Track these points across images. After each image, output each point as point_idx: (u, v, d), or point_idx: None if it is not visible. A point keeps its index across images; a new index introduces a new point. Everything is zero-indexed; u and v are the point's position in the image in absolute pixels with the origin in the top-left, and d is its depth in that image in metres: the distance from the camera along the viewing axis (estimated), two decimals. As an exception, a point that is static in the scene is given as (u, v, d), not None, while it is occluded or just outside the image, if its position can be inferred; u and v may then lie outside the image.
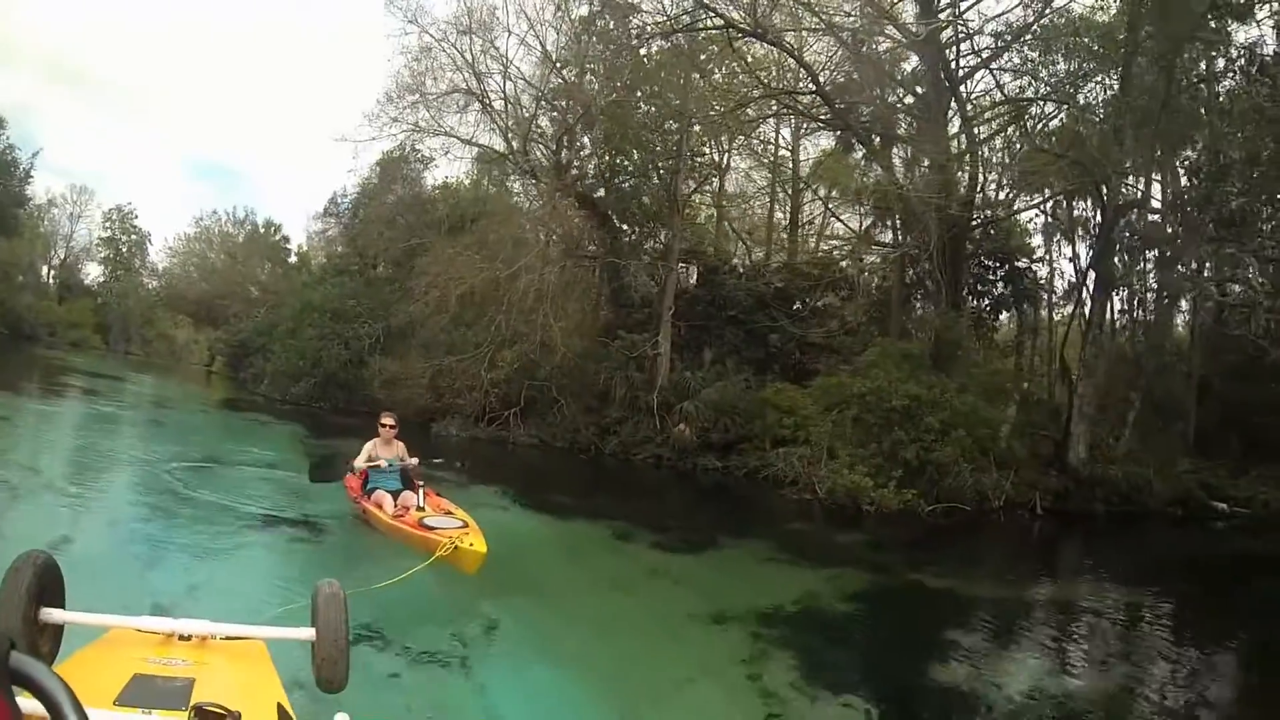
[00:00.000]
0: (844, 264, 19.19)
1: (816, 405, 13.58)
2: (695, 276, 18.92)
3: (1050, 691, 5.25)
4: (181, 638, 2.22)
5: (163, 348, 42.64)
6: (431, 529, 6.00)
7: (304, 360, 21.27)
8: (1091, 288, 13.73)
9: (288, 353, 22.22)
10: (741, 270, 18.85)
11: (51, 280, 47.36)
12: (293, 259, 32.69)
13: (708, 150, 20.10)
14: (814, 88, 15.06)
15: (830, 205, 21.15)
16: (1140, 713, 5.20)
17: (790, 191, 22.06)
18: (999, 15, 13.67)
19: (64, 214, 47.53)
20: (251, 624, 2.51)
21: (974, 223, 14.73)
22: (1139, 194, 12.64)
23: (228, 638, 2.28)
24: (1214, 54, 12.51)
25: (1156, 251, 13.96)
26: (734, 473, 14.13)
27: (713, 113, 16.43)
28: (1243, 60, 11.94)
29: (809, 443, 12.91)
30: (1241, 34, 12.18)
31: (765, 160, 21.80)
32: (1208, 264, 12.92)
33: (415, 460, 7.38)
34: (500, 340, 16.51)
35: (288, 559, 6.77)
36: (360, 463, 7.22)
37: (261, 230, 34.59)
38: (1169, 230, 13.45)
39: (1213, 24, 11.71)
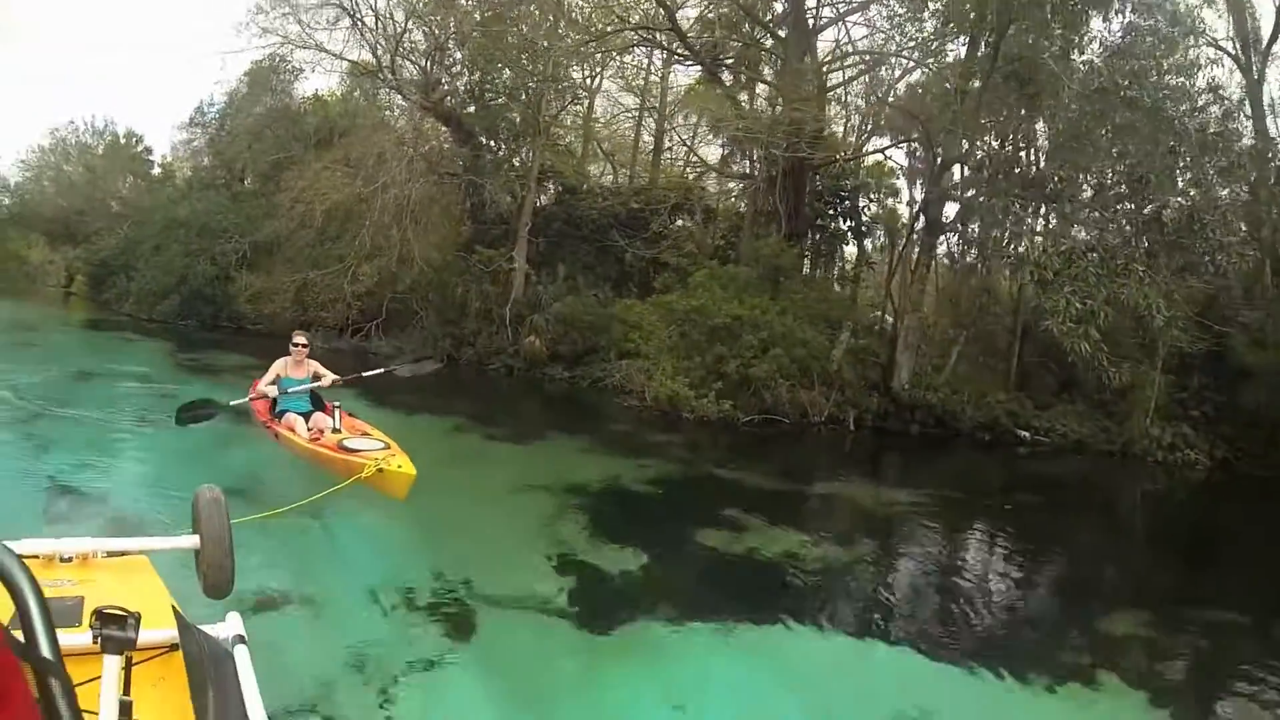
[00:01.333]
0: (700, 189, 20.73)
1: (659, 321, 15.23)
2: (554, 195, 20.15)
3: (802, 558, 6.35)
4: (63, 559, 2.24)
5: (16, 269, 40.55)
6: (353, 451, 5.86)
7: (170, 277, 21.46)
8: (920, 230, 15.69)
9: (153, 270, 22.27)
10: (599, 190, 20.17)
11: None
12: (156, 171, 31.66)
13: (577, 73, 21.10)
14: (670, 25, 16.33)
15: (694, 133, 22.62)
16: (863, 577, 6.29)
17: (656, 117, 23.37)
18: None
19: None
20: (133, 537, 2.56)
21: (816, 161, 16.43)
22: (964, 150, 14.47)
23: (110, 553, 2.29)
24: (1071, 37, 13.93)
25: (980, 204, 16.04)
26: (579, 382, 15.75)
27: (571, 42, 17.35)
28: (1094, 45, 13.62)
29: (646, 355, 14.55)
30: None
31: (634, 85, 22.98)
32: (1013, 220, 15.01)
33: (333, 377, 7.10)
34: (363, 254, 17.46)
35: (182, 476, 6.38)
36: (264, 386, 7.04)
37: (123, 141, 33.07)
38: (976, 189, 15.48)
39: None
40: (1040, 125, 15.13)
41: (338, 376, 7.08)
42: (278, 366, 7.09)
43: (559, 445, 10.86)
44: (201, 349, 16.74)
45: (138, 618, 1.52)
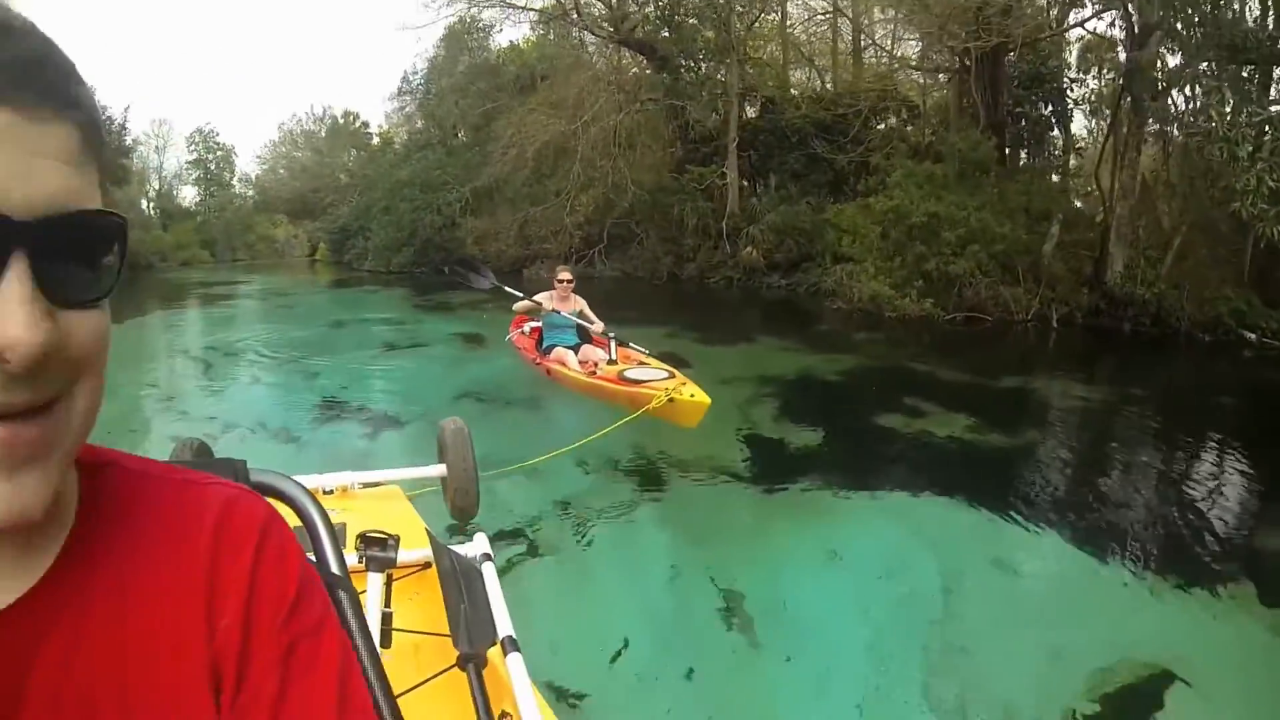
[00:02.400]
0: (899, 88, 19.91)
1: (865, 224, 15.13)
2: (758, 107, 20.19)
3: (968, 442, 6.29)
4: (326, 491, 2.48)
5: (266, 248, 46.98)
6: (637, 382, 5.63)
7: (401, 232, 24.04)
8: (1126, 109, 14.23)
9: (385, 228, 25.04)
10: (802, 99, 19.94)
11: (152, 211, 51.94)
12: (375, 141, 35.26)
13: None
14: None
15: (894, 27, 21.60)
16: (1020, 462, 6.10)
17: (852, 14, 22.54)
18: None
19: (149, 148, 51.44)
20: (385, 469, 2.74)
21: (1010, 44, 15.31)
22: (1162, 14, 12.85)
23: (365, 485, 2.50)
24: None
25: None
26: (796, 289, 15.94)
27: None
28: None
29: (854, 258, 14.55)
30: None
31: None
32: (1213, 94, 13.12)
33: (601, 325, 6.80)
34: (579, 186, 18.59)
35: (446, 412, 6.39)
36: (523, 305, 6.93)
37: (341, 121, 37.25)
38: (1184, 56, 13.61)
39: None
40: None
41: (605, 330, 6.76)
42: (542, 297, 6.88)
43: (764, 346, 11.19)
44: (436, 290, 18.60)
45: (396, 539, 1.71)
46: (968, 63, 15.71)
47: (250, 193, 50.53)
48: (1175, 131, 14.96)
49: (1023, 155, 19.10)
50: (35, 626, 0.42)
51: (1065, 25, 16.85)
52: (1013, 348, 12.52)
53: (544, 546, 3.92)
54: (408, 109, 29.61)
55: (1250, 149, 10.83)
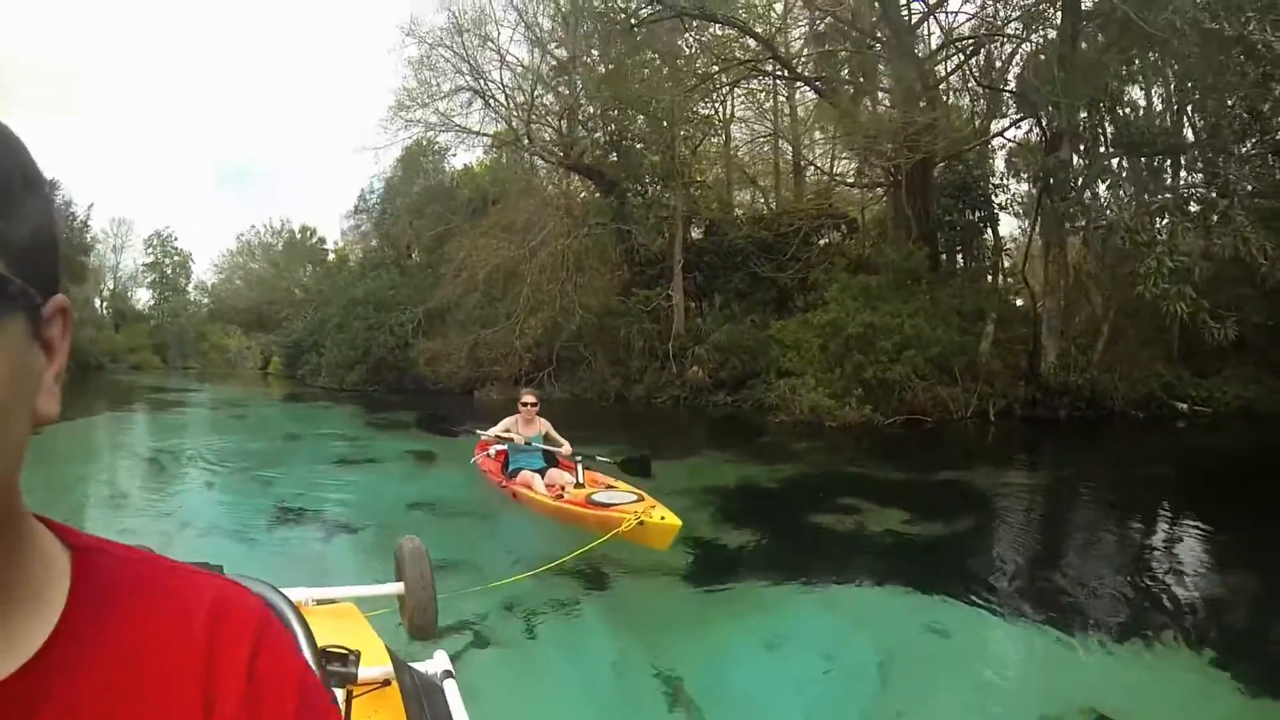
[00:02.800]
0: (836, 204, 21.02)
1: (806, 338, 15.68)
2: (703, 229, 21.05)
3: (900, 533, 6.68)
4: None
5: (218, 358, 46.66)
6: (605, 505, 5.68)
7: (355, 350, 24.17)
8: (1045, 208, 15.22)
9: (339, 346, 25.16)
10: (745, 219, 20.88)
11: (105, 311, 51.73)
12: (331, 257, 35.83)
13: (705, 108, 22.06)
14: (770, 54, 17.05)
15: (832, 147, 22.91)
16: (951, 548, 6.46)
17: (791, 137, 23.90)
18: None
19: (107, 247, 51.66)
20: (340, 586, 2.76)
21: (936, 158, 16.46)
22: (1078, 125, 14.05)
23: (320, 601, 2.51)
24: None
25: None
26: (741, 405, 16.30)
27: (687, 86, 18.32)
28: None
29: (795, 372, 15.02)
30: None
31: (765, 110, 23.68)
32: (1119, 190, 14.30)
33: (566, 446, 6.87)
34: (528, 309, 19.02)
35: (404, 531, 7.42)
36: (493, 432, 7.02)
37: (298, 236, 37.93)
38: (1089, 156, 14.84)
39: None
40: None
41: (571, 453, 6.78)
42: (507, 422, 6.97)
43: (708, 459, 11.41)
44: (389, 409, 18.67)
45: (357, 655, 1.69)
46: (898, 177, 16.72)
47: (205, 300, 50.60)
48: (1089, 225, 16.00)
49: (959, 259, 20.13)
50: (30, 698, 0.43)
51: (986, 136, 18.17)
52: (951, 445, 12.96)
53: (504, 661, 4.04)
54: (363, 227, 30.33)
55: (1148, 236, 11.79)
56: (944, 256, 18.21)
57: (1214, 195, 11.84)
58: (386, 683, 1.99)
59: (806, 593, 5.22)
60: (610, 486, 6.35)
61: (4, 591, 0.43)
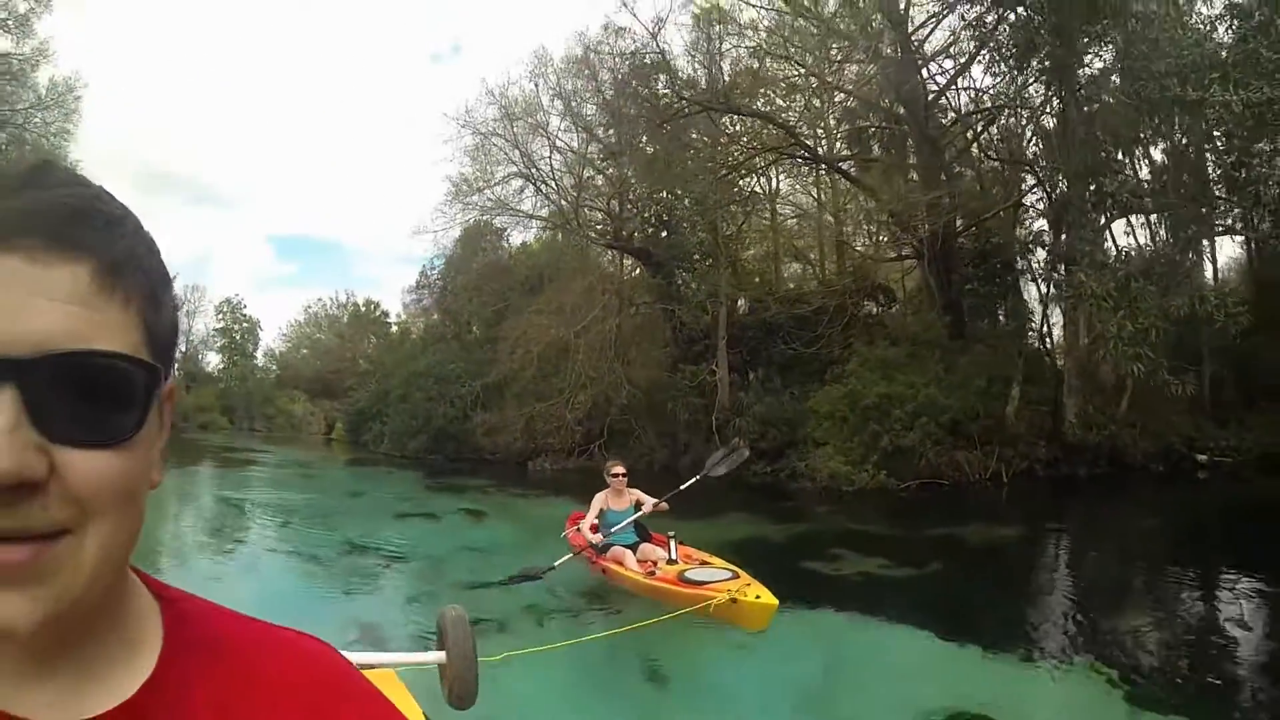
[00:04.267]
0: (880, 276, 22.31)
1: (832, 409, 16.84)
2: (746, 305, 22.53)
3: (878, 577, 7.97)
4: None
5: (283, 422, 49.63)
6: (699, 583, 5.67)
7: (416, 420, 26.11)
8: (1056, 270, 16.23)
9: (401, 415, 27.18)
10: (786, 294, 22.30)
11: (178, 374, 55.33)
12: (394, 330, 38.45)
13: (750, 185, 23.69)
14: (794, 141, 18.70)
15: (871, 220, 24.28)
16: (923, 592, 7.54)
17: (832, 210, 25.37)
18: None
19: (180, 312, 55.55)
20: (383, 652, 2.79)
21: (959, 228, 17.75)
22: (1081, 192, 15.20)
23: (362, 666, 2.38)
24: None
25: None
26: (780, 474, 17.47)
27: (721, 172, 20.01)
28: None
29: (822, 441, 16.21)
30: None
31: (808, 184, 25.33)
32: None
33: (654, 501, 6.92)
34: (579, 384, 20.69)
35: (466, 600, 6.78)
36: (587, 525, 6.97)
37: (363, 309, 40.86)
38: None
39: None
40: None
41: (658, 500, 6.89)
42: (598, 501, 6.96)
43: (734, 520, 12.46)
44: (448, 475, 20.46)
45: None
46: (922, 250, 17.98)
47: (273, 367, 53.98)
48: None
49: (983, 324, 20.99)
50: None
51: (1000, 205, 19.34)
52: (962, 505, 13.70)
53: None
54: (424, 301, 32.69)
55: (1113, 302, 12.84)
56: (967, 323, 19.18)
57: (1177, 256, 12.91)
58: None
59: (790, 625, 5.89)
60: (705, 563, 6.39)
61: (108, 638, 0.49)
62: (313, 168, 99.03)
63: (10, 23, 22.22)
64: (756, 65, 19.55)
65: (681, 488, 7.47)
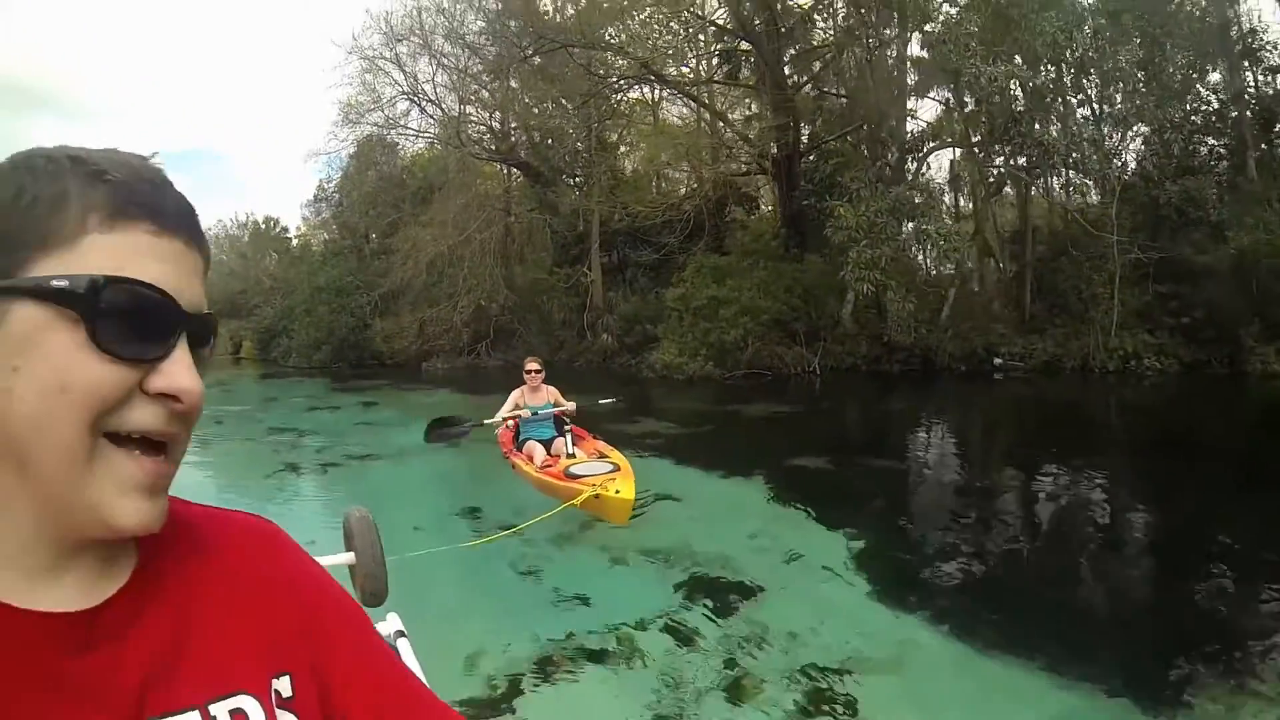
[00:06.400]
0: (738, 185, 25.06)
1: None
2: (619, 212, 25.07)
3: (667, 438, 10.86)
4: None
5: (191, 346, 50.70)
6: (576, 477, 6.09)
7: (320, 331, 28.12)
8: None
9: (306, 329, 29.05)
10: (655, 201, 24.90)
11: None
12: (294, 243, 39.75)
13: (636, 93, 25.67)
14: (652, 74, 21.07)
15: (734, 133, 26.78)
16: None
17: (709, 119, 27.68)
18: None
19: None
20: None
21: (801, 150, 20.72)
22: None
23: None
24: None
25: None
26: (640, 367, 20.32)
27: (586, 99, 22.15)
28: None
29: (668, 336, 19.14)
30: None
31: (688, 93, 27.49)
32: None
33: (572, 405, 7.31)
34: (465, 289, 23.25)
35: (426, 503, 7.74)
36: (503, 413, 7.23)
37: (263, 227, 41.83)
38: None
39: None
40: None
41: (572, 406, 7.30)
42: (515, 396, 7.31)
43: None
44: (353, 380, 22.81)
45: None
46: (765, 167, 20.90)
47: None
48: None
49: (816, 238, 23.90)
50: (132, 609, 0.59)
51: (833, 134, 22.20)
52: (781, 393, 16.29)
53: (454, 620, 4.62)
54: (323, 214, 34.28)
55: (862, 234, 16.06)
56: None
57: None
58: None
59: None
60: (603, 456, 6.84)
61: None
62: (198, 83, 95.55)
63: None
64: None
65: (600, 401, 8.62)
